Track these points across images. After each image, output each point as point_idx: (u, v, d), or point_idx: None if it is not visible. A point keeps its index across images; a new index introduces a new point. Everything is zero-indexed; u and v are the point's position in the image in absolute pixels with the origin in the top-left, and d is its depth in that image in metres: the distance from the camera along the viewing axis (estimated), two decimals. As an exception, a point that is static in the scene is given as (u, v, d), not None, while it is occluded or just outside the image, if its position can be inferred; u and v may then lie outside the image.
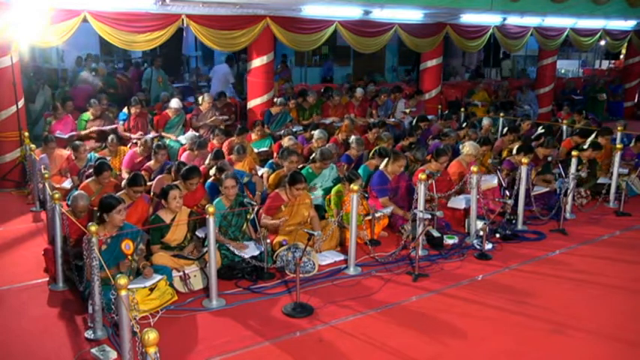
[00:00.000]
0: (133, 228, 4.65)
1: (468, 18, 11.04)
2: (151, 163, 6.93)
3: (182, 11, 8.24)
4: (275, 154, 7.71)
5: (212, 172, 6.38)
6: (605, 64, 20.71)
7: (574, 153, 6.93)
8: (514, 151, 7.15)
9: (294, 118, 9.62)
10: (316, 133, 7.82)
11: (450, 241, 5.96)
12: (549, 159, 7.46)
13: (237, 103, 10.90)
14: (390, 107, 10.61)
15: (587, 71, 19.60)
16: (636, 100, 15.45)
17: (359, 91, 10.48)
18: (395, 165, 6.28)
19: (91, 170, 6.34)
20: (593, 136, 8.14)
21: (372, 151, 7.05)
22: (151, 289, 4.41)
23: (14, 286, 4.93)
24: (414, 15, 10.39)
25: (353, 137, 7.69)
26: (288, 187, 5.56)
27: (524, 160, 6.28)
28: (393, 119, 10.24)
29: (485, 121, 9.40)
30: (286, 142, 7.54)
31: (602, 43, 14.81)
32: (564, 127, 10.23)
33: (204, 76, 14.99)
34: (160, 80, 11.43)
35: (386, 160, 6.42)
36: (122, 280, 3.32)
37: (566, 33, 12.83)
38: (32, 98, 9.91)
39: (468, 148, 6.92)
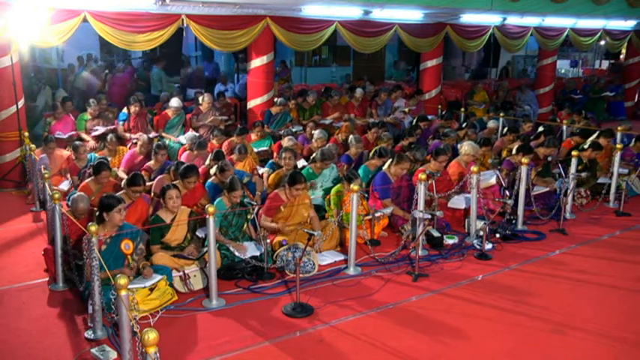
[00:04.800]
0: (132, 228, 4.66)
1: (468, 18, 11.04)
2: (151, 163, 6.93)
3: (182, 11, 8.25)
4: (275, 154, 7.72)
5: (212, 171, 6.39)
6: (605, 64, 20.72)
7: (574, 153, 6.93)
8: (514, 151, 7.15)
9: (294, 118, 9.62)
10: (316, 133, 7.83)
11: (450, 241, 5.96)
12: (549, 159, 7.46)
13: (237, 103, 10.90)
14: (389, 107, 10.61)
15: (587, 71, 19.62)
16: (636, 100, 15.45)
17: (359, 91, 10.48)
18: (398, 167, 6.28)
19: (91, 170, 6.35)
20: (594, 136, 8.14)
21: (372, 151, 7.05)
22: (151, 289, 4.40)
23: (14, 286, 4.93)
24: (413, 15, 10.39)
25: (351, 136, 7.69)
26: (288, 188, 5.56)
27: (524, 160, 6.28)
28: (391, 116, 10.21)
29: (492, 124, 9.39)
30: (286, 142, 7.54)
31: (602, 43, 14.82)
32: (564, 127, 10.23)
33: None
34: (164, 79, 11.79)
35: (389, 161, 6.42)
36: (122, 280, 3.32)
37: (566, 33, 12.83)
38: (34, 97, 9.97)
39: (466, 148, 6.92)
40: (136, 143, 7.91)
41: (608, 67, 19.25)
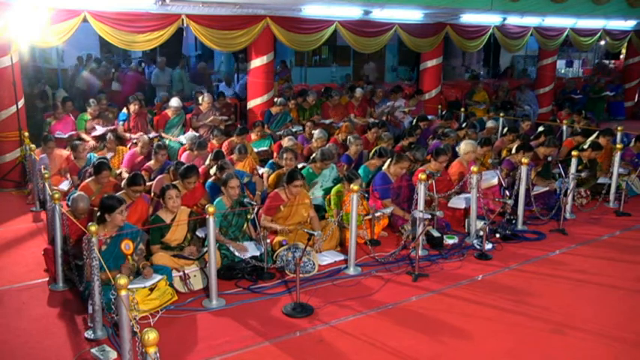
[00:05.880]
0: (133, 228, 4.66)
1: (468, 18, 11.04)
2: (151, 163, 6.94)
3: (182, 11, 8.25)
4: (275, 154, 7.72)
5: (212, 171, 6.39)
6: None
7: (574, 153, 6.92)
8: (513, 150, 7.15)
9: (294, 118, 9.62)
10: (316, 133, 7.83)
11: (450, 241, 5.96)
12: (549, 159, 7.46)
13: (237, 103, 10.91)
14: (383, 103, 10.60)
15: (587, 71, 19.62)
16: (636, 100, 15.46)
17: (358, 91, 10.48)
18: (397, 166, 6.28)
19: (91, 170, 6.35)
20: (594, 136, 8.14)
21: (372, 151, 7.05)
22: (151, 289, 4.40)
23: (14, 286, 4.93)
24: (413, 15, 10.39)
25: (350, 136, 7.69)
26: (286, 185, 5.57)
27: (525, 160, 6.28)
28: (381, 109, 10.18)
29: (490, 124, 9.39)
30: (286, 142, 7.54)
31: (602, 43, 14.81)
32: (564, 127, 10.23)
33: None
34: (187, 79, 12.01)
35: (388, 161, 6.42)
36: (122, 280, 3.32)
37: (566, 33, 12.84)
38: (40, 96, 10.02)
39: (464, 147, 6.90)
40: (136, 143, 7.92)
41: (594, 68, 19.28)
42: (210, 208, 4.41)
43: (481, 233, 5.79)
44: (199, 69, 13.52)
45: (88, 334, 4.09)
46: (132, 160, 7.30)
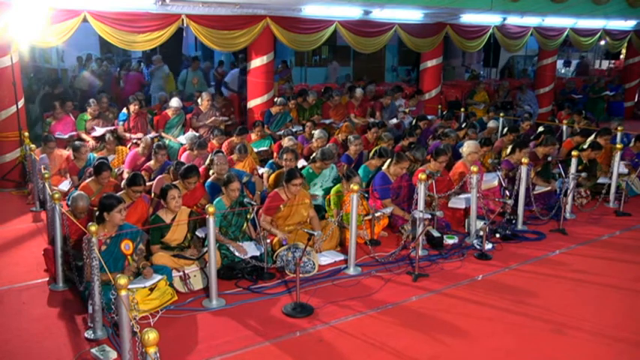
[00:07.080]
0: (132, 228, 4.66)
1: (468, 18, 11.04)
2: (151, 163, 6.93)
3: (182, 11, 8.25)
4: (275, 154, 7.72)
5: (212, 172, 6.39)
6: (605, 64, 20.74)
7: (574, 153, 6.93)
8: (508, 151, 7.17)
9: (294, 118, 9.62)
10: (316, 133, 7.82)
11: (450, 241, 5.96)
12: (549, 158, 7.46)
13: (237, 102, 10.90)
14: (394, 109, 10.60)
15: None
16: (636, 100, 15.46)
17: (359, 91, 10.47)
18: (397, 167, 6.28)
19: (92, 170, 6.34)
20: (593, 136, 8.14)
21: (372, 151, 7.04)
22: (151, 289, 4.41)
23: (14, 286, 4.94)
24: (413, 15, 10.39)
25: (350, 136, 7.69)
26: (285, 184, 5.57)
27: (525, 160, 6.28)
28: (395, 120, 10.20)
29: (492, 124, 9.39)
30: (286, 142, 7.54)
31: (602, 43, 14.81)
32: (564, 128, 10.23)
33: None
34: (195, 81, 11.70)
35: (388, 161, 6.42)
36: (122, 280, 3.32)
37: (566, 33, 12.84)
38: (32, 99, 9.97)
39: (467, 148, 6.89)
40: (136, 144, 7.91)
41: (608, 68, 19.30)
42: (210, 208, 4.41)
43: (481, 233, 5.80)
44: (204, 69, 13.51)
45: (88, 334, 4.09)
46: (134, 161, 7.28)
